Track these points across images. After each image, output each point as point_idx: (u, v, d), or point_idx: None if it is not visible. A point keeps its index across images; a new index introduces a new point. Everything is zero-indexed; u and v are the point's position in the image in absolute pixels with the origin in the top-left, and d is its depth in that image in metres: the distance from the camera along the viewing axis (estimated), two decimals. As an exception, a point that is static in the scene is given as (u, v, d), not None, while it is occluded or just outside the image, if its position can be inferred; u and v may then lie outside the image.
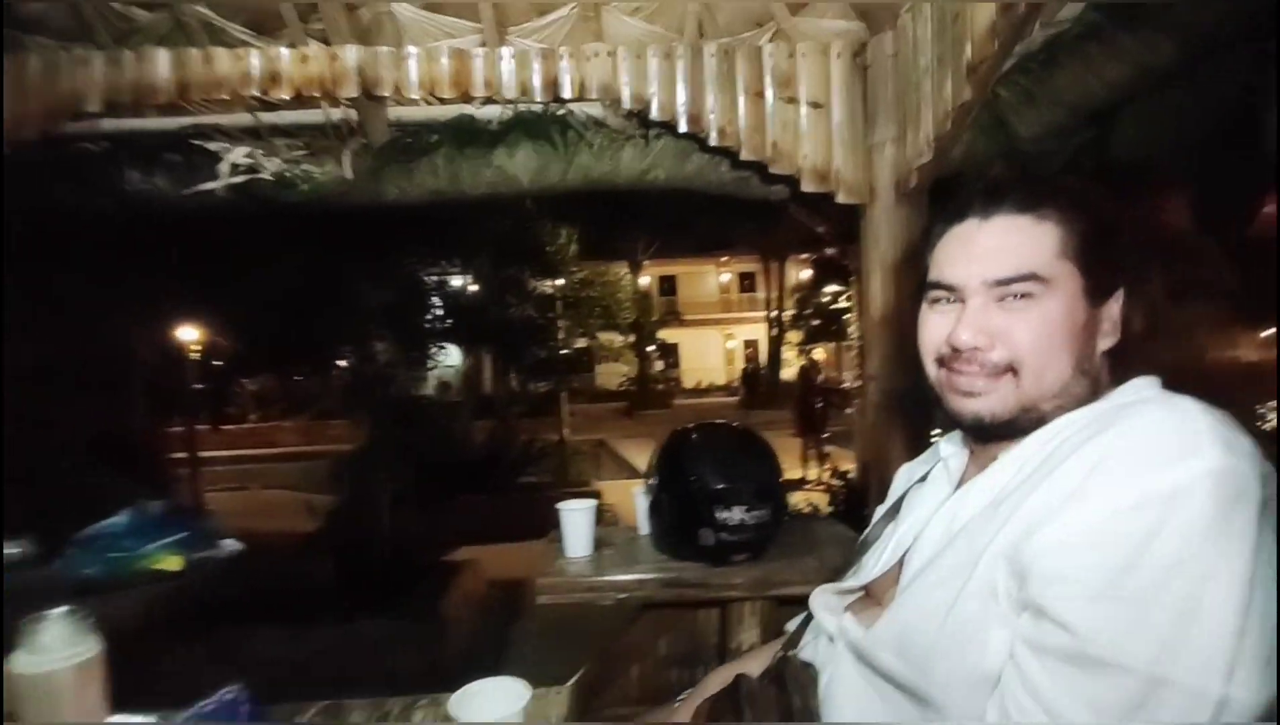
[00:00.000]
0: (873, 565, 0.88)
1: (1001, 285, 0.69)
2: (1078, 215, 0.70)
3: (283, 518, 5.75)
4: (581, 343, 10.46)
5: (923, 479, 0.91)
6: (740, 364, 26.96)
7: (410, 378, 7.18)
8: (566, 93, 1.94)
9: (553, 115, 2.15)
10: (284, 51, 1.93)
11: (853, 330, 9.80)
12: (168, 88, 1.91)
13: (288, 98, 1.97)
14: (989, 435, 0.74)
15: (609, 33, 2.02)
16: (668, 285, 27.76)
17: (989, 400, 0.72)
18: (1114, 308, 0.72)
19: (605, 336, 11.25)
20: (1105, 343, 0.72)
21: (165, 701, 0.76)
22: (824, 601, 0.91)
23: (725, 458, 1.72)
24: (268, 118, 2.15)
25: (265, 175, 2.10)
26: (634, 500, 2.03)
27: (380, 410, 6.11)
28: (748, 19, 2.07)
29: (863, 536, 1.01)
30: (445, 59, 1.93)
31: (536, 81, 1.94)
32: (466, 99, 2.02)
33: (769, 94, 1.96)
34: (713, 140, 1.95)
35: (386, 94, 1.96)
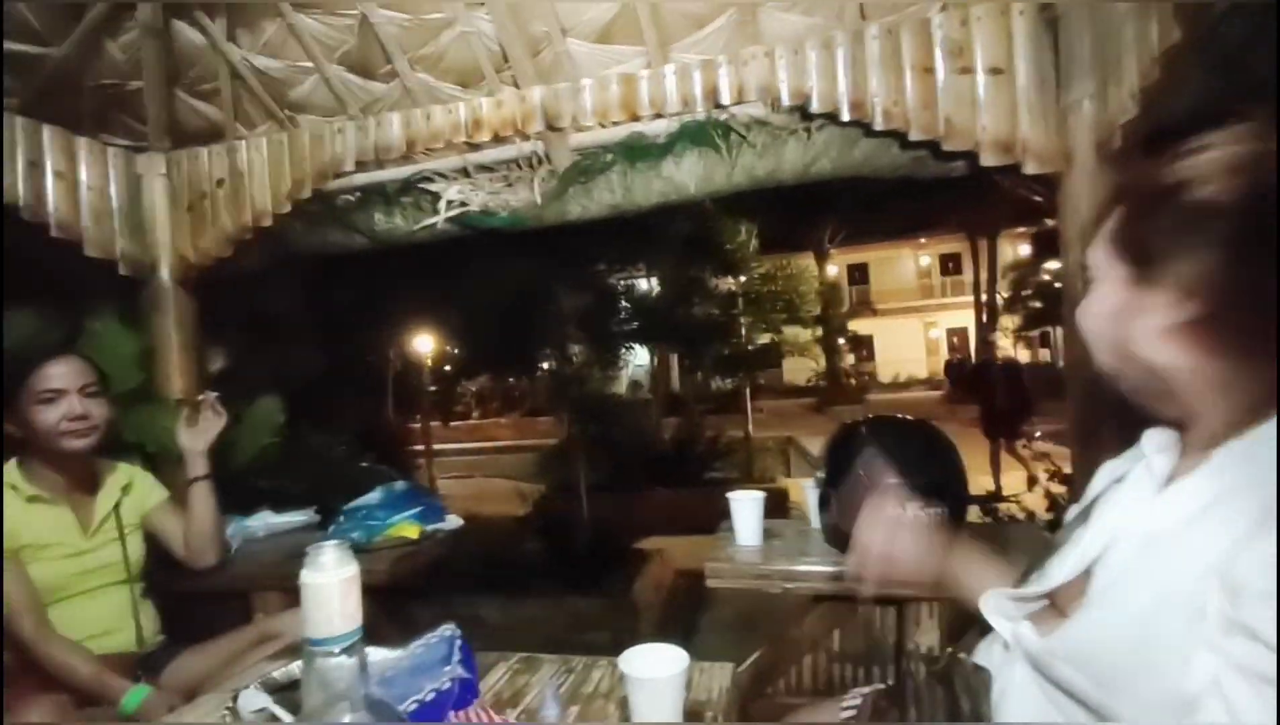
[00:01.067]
0: (1057, 570, 0.81)
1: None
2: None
3: (500, 502, 6.53)
4: (765, 338, 10.35)
5: (1120, 480, 0.82)
6: (944, 355, 24.77)
7: (604, 377, 7.69)
8: (725, 99, 2.01)
9: (715, 121, 2.23)
10: (483, 101, 2.25)
11: (1081, 311, 8.51)
12: (399, 144, 2.33)
13: (488, 139, 2.28)
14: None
15: (767, 32, 2.06)
16: (858, 273, 26.35)
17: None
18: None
19: (789, 331, 11.01)
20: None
21: (394, 641, 0.97)
22: (999, 605, 0.86)
23: (894, 452, 1.67)
24: (473, 157, 2.50)
25: (473, 207, 2.45)
26: (805, 493, 2.04)
27: (577, 408, 6.64)
28: (915, -7, 1.97)
29: (1054, 539, 0.93)
30: (615, 85, 2.11)
31: (697, 92, 2.04)
32: (635, 118, 2.18)
33: (940, 67, 1.86)
34: (878, 124, 1.89)
35: (565, 125, 2.19)
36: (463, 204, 2.47)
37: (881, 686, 1.11)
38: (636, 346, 8.34)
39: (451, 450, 12.17)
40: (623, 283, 7.91)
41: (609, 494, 6.28)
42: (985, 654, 0.88)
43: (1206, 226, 0.59)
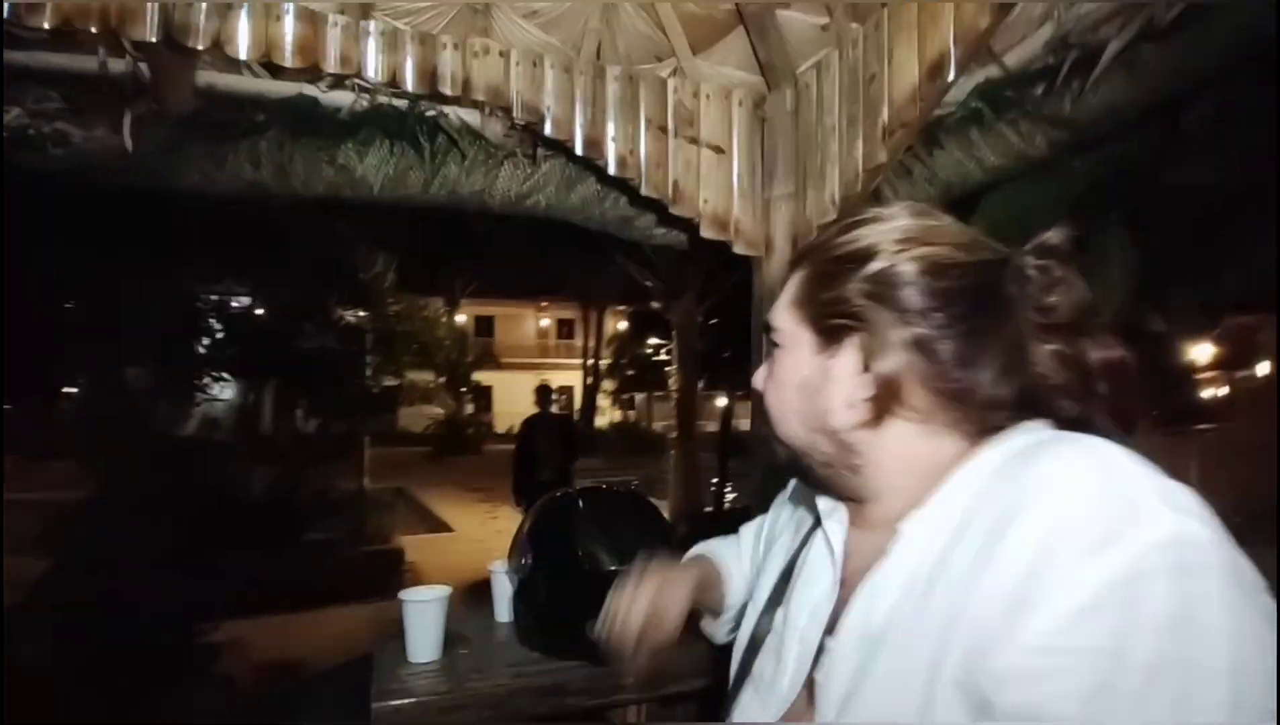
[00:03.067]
0: (774, 676, 0.69)
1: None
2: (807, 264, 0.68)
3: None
4: (391, 381, 9.51)
5: (804, 544, 0.75)
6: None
7: (170, 413, 5.91)
8: (446, 88, 1.64)
9: (421, 114, 1.82)
10: (43, -37, 1.40)
11: (671, 382, 10.10)
12: None
13: (47, 28, 1.42)
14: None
15: (499, 33, 1.77)
16: (485, 326, 26.97)
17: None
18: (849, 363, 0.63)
19: (418, 376, 10.37)
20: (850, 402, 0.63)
21: None
22: None
23: (620, 530, 1.48)
24: (16, 57, 1.54)
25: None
26: (492, 582, 1.70)
27: (121, 451, 4.91)
28: (648, 50, 1.94)
29: (737, 621, 0.84)
30: (292, 19, 1.53)
31: (409, 68, 1.62)
32: (314, 75, 1.63)
33: (671, 129, 1.84)
34: (611, 169, 1.76)
35: (199, 47, 1.50)
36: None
37: None
38: (227, 376, 6.66)
39: None
40: (218, 294, 6.29)
41: (167, 567, 4.68)
42: None
43: (887, 294, 0.60)
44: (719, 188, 1.87)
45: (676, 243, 2.18)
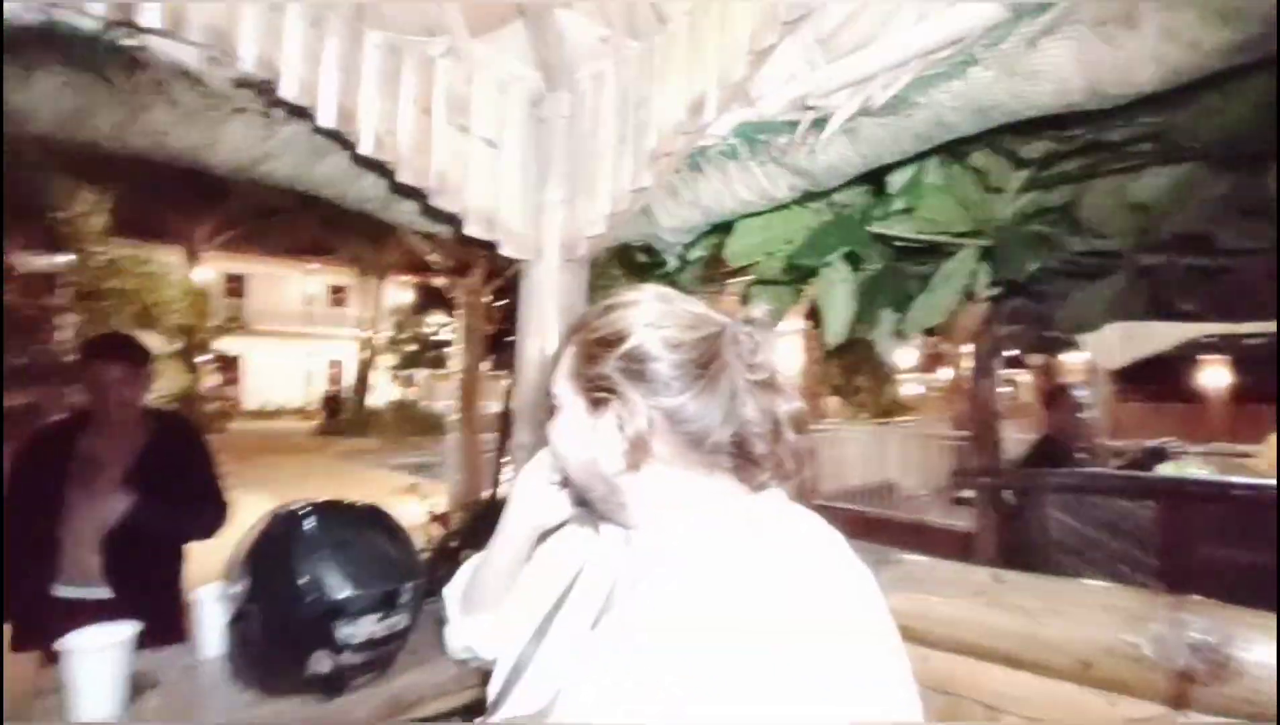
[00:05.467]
0: (540, 683, 0.82)
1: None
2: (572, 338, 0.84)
3: None
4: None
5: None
6: (322, 386, 24.28)
7: None
8: (153, 20, 1.33)
9: (110, 42, 1.46)
10: None
11: (453, 363, 9.69)
12: None
13: None
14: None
15: (228, -34, 1.48)
16: (236, 285, 23.44)
17: None
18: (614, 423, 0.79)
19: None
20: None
21: None
22: None
23: (351, 552, 1.35)
24: None
25: None
26: (196, 610, 1.47)
27: None
28: (420, 24, 1.77)
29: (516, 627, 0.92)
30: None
31: (99, -15, 1.28)
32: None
33: (439, 114, 1.70)
34: (366, 149, 1.58)
35: None
36: None
37: None
38: None
39: None
40: None
41: None
42: None
43: (637, 368, 0.76)
44: (488, 184, 1.78)
45: (444, 232, 2.05)
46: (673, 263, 2.19)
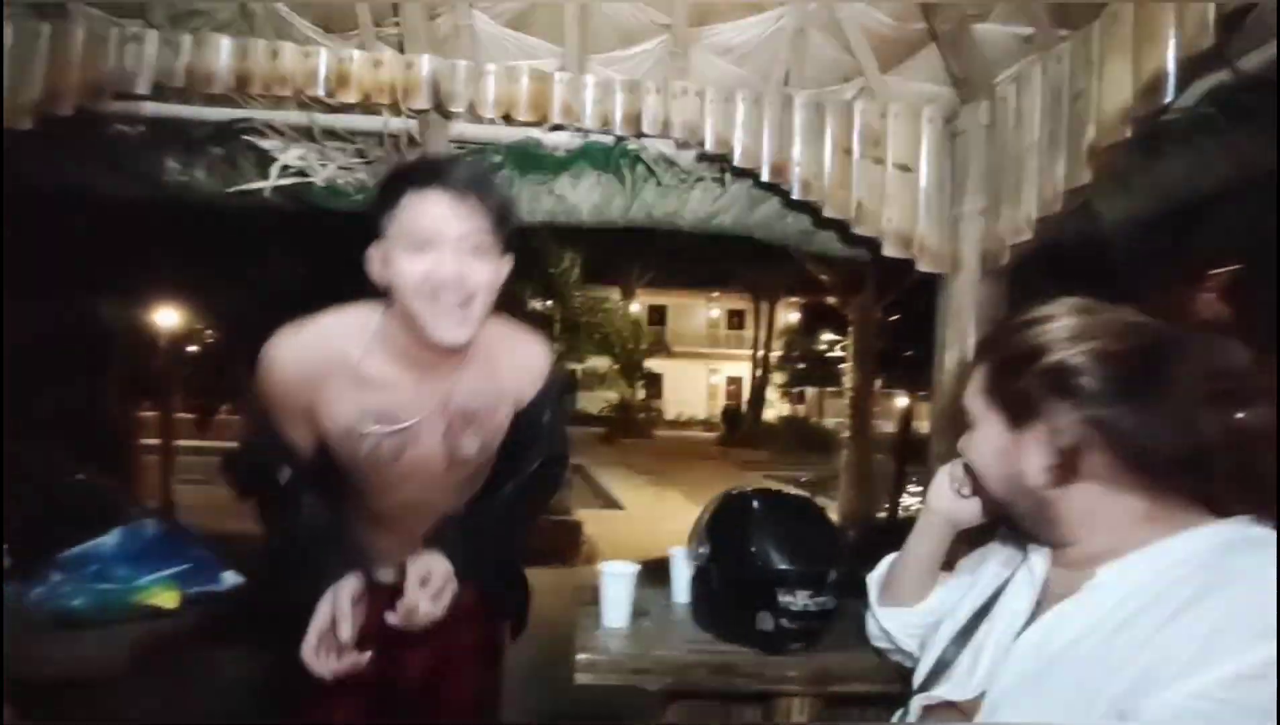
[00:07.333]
0: (965, 681, 0.83)
1: None
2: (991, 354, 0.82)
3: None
4: (571, 366, 10.29)
5: (1002, 581, 0.89)
6: (722, 400, 26.89)
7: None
8: (647, 128, 1.85)
9: (624, 149, 2.05)
10: (355, 54, 1.82)
11: (846, 379, 9.76)
12: (226, 77, 1.79)
13: (353, 102, 1.85)
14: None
15: (695, 71, 1.95)
16: (658, 315, 27.79)
17: None
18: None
19: (596, 361, 11.10)
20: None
21: None
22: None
23: (793, 533, 1.59)
24: (323, 119, 2.02)
25: (317, 180, 1.97)
26: (671, 564, 1.89)
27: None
28: (836, 72, 2.01)
29: (940, 628, 0.96)
30: (525, 80, 1.84)
31: (618, 113, 1.85)
32: (541, 123, 1.92)
33: (856, 151, 1.89)
34: (796, 193, 1.87)
35: (459, 110, 1.85)
36: (303, 173, 1.98)
37: None
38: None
39: (194, 448, 10.06)
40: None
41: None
42: None
43: (1063, 383, 0.71)
44: (904, 206, 1.90)
45: (859, 256, 2.22)
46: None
